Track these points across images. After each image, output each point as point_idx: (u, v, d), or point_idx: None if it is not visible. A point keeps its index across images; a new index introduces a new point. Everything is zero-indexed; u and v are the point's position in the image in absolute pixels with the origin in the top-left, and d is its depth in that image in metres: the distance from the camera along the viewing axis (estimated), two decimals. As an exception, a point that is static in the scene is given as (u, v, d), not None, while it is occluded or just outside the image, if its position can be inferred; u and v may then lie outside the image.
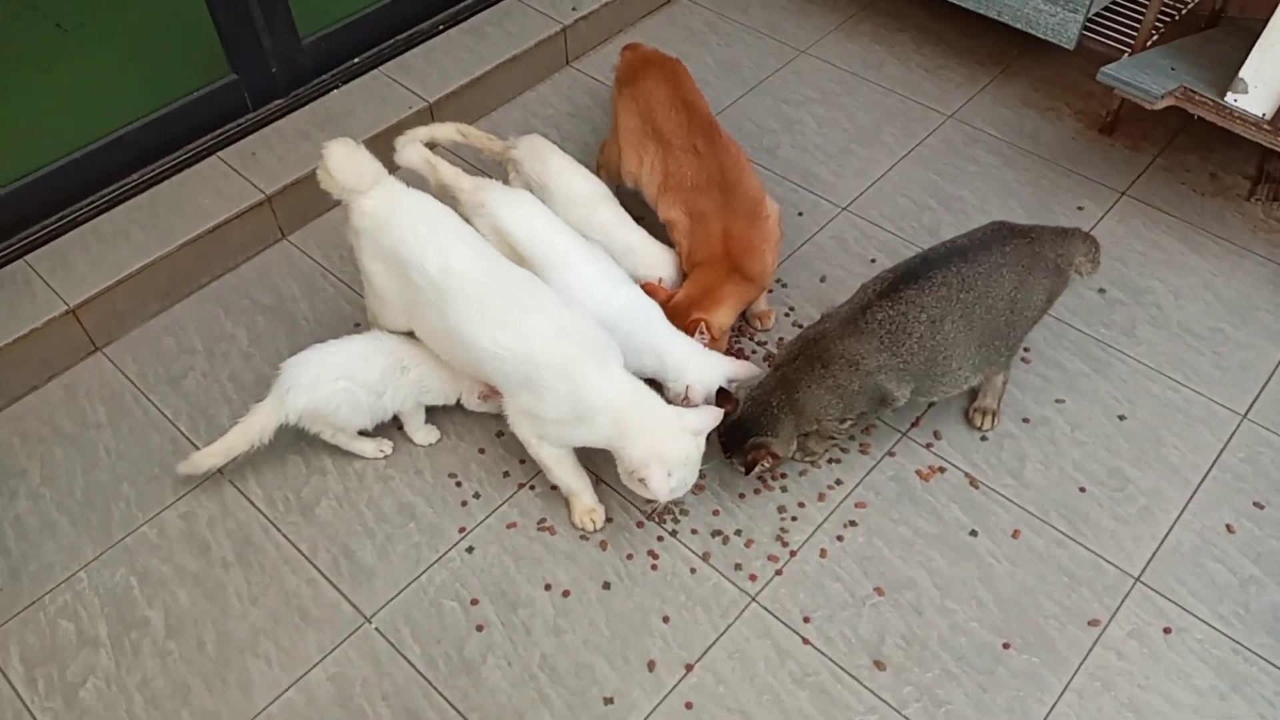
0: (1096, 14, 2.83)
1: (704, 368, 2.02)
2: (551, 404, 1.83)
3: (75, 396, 2.27)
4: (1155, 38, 2.69)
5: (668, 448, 1.80)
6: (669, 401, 1.98)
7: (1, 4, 2.25)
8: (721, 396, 1.97)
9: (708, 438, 1.90)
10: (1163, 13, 2.73)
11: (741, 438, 1.93)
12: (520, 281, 1.88)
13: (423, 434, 2.15)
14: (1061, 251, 2.00)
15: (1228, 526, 2.00)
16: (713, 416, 1.86)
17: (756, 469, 1.94)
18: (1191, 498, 2.05)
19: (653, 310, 2.07)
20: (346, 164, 1.92)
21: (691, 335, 2.09)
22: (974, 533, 2.00)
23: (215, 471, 2.10)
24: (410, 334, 2.07)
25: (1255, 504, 2.04)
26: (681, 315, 2.12)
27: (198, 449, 2.10)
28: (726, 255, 2.17)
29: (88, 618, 1.92)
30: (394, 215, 1.89)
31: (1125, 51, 2.65)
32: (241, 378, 2.29)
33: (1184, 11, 2.82)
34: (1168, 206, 2.61)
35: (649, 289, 2.14)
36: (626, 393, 1.84)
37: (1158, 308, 2.38)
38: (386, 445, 2.13)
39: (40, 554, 2.02)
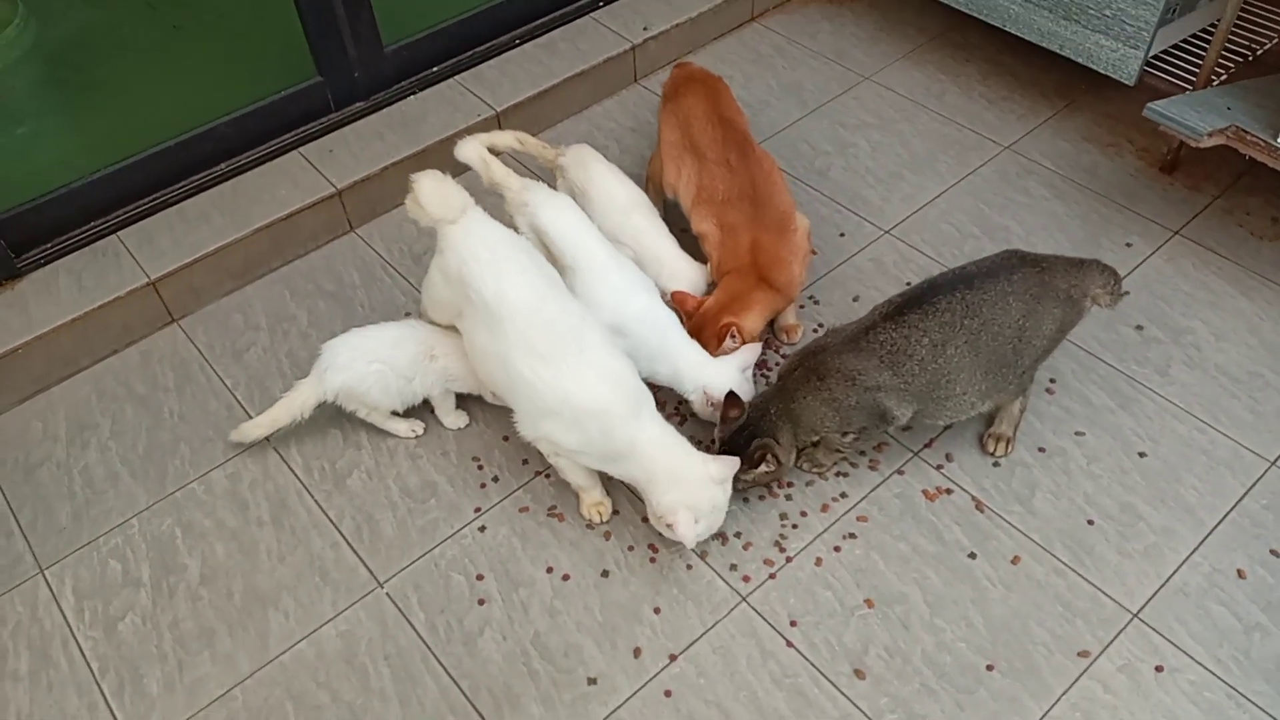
0: (1166, 51, 2.81)
1: (719, 370, 2.11)
2: (577, 439, 1.92)
3: (150, 362, 2.49)
4: (1224, 77, 2.65)
5: (695, 497, 1.88)
6: (695, 412, 2.11)
7: (129, 4, 2.49)
8: (729, 402, 2.04)
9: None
10: (1236, 53, 2.69)
11: (745, 441, 1.99)
12: (569, 319, 1.94)
13: (452, 418, 2.28)
14: (1075, 282, 2.01)
15: (1239, 571, 1.96)
16: (732, 465, 1.93)
17: (762, 467, 1.98)
18: (1205, 539, 2.02)
19: (668, 319, 2.16)
20: (435, 195, 2.02)
21: (722, 339, 2.17)
22: (973, 555, 2.01)
23: (262, 440, 2.26)
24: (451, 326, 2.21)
25: (1273, 551, 1.99)
26: (711, 321, 2.20)
27: (250, 417, 2.28)
28: (754, 265, 2.25)
29: (134, 560, 2.11)
30: (466, 240, 2.00)
31: (1189, 89, 2.62)
32: (298, 355, 2.46)
33: (1259, 52, 2.77)
34: (1221, 248, 2.56)
35: (678, 298, 2.23)
36: (657, 441, 1.91)
37: (1196, 349, 2.35)
38: (419, 426, 2.27)
39: (101, 500, 2.22)
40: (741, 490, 2.05)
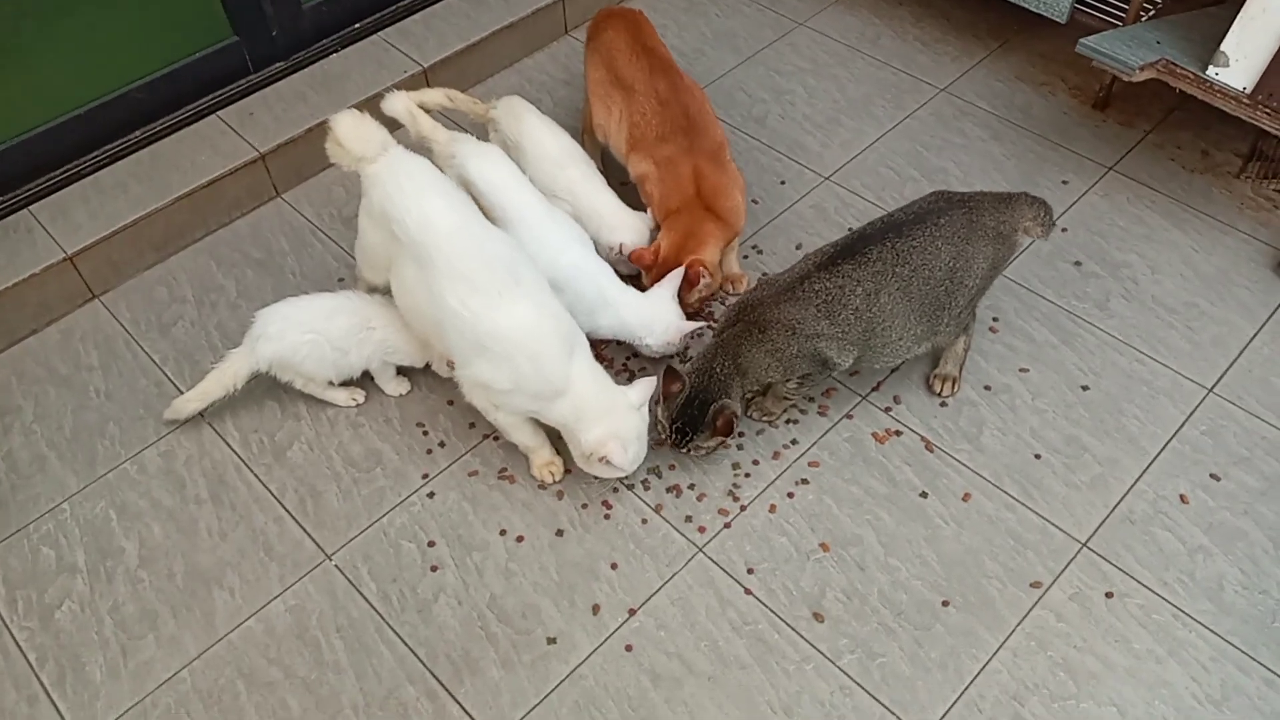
0: (1092, -12, 2.81)
1: (661, 306, 2.11)
2: (509, 377, 1.87)
3: (71, 340, 2.38)
4: (1152, 13, 2.66)
5: (621, 426, 1.87)
6: (653, 355, 2.12)
7: (11, -37, 2.35)
8: (669, 377, 1.99)
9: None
10: (1155, -13, 2.70)
11: (701, 410, 1.94)
12: (504, 254, 1.89)
13: (393, 385, 2.22)
14: (1004, 218, 2.01)
15: (1181, 497, 2.00)
16: (648, 386, 1.92)
17: (714, 443, 1.97)
18: (1148, 468, 2.05)
19: (603, 270, 2.12)
20: (354, 134, 1.95)
21: (695, 282, 2.14)
22: (924, 494, 2.03)
23: (195, 415, 2.18)
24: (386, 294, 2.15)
25: (1212, 475, 2.03)
26: (673, 265, 2.16)
27: (181, 393, 2.20)
28: (699, 196, 2.21)
29: (67, 546, 2.02)
30: (387, 174, 1.94)
31: (1117, 25, 2.63)
32: (227, 327, 2.38)
33: (1184, -13, 2.78)
34: (1154, 182, 2.59)
35: (636, 257, 2.18)
36: (587, 377, 1.89)
37: (1134, 282, 2.38)
38: (359, 394, 2.21)
39: (28, 485, 2.12)
40: (705, 455, 2.04)
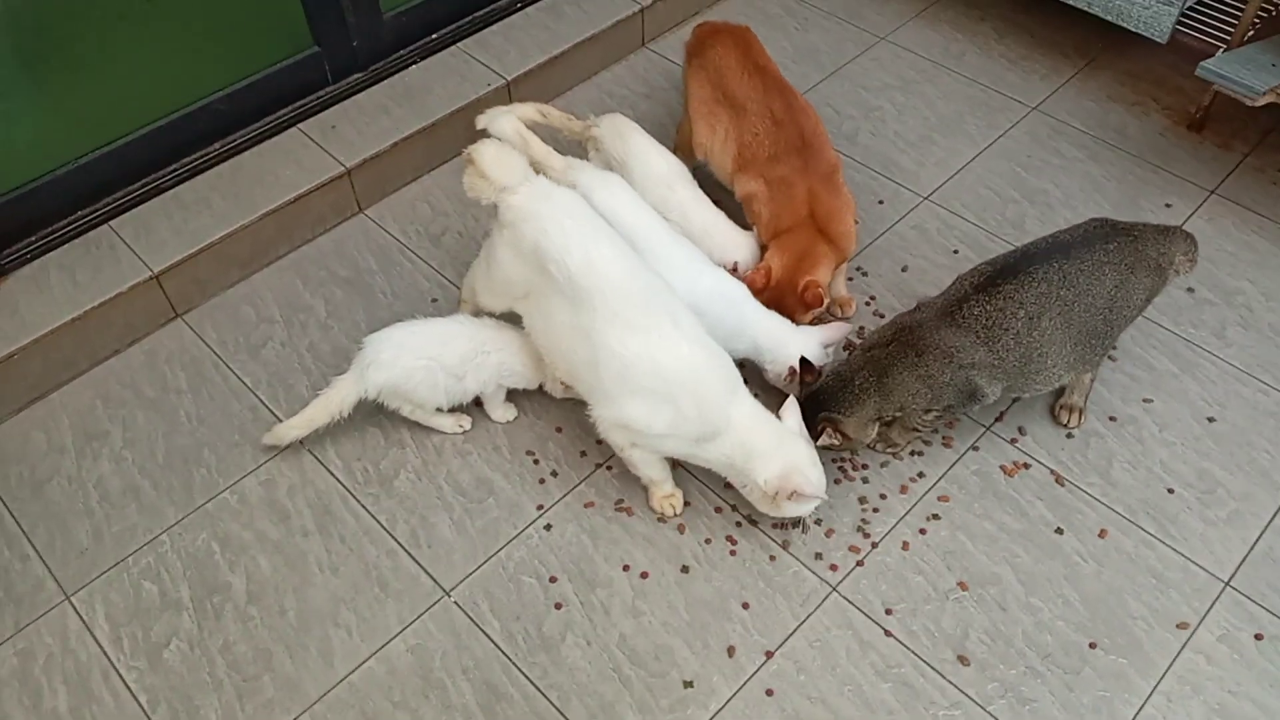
0: (1188, 8, 2.76)
1: (802, 341, 2.02)
2: (668, 419, 1.80)
3: (156, 361, 2.29)
4: (1252, 33, 2.62)
5: (794, 455, 1.81)
6: (770, 382, 2.05)
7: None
8: (805, 367, 1.96)
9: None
10: (1262, 7, 2.66)
11: (815, 409, 1.91)
12: (661, 293, 1.84)
13: (500, 411, 2.15)
14: (1164, 250, 1.96)
15: (1322, 534, 1.95)
16: (794, 410, 1.88)
17: (823, 440, 1.91)
18: (1284, 504, 2.00)
19: (741, 292, 2.06)
20: (498, 162, 1.88)
21: (810, 304, 2.08)
22: (1060, 530, 1.97)
23: (295, 442, 2.10)
24: (498, 316, 2.07)
25: (1351, 512, 1.99)
26: (789, 289, 2.10)
27: (278, 418, 2.13)
28: (811, 218, 2.15)
29: (170, 580, 1.94)
30: (541, 208, 1.85)
31: (1219, 46, 2.59)
32: (319, 349, 2.30)
33: (1282, 6, 2.74)
34: (1258, 206, 2.54)
35: (748, 281, 2.11)
36: (751, 414, 1.83)
37: (1248, 309, 2.33)
38: (465, 421, 2.13)
39: (123, 516, 2.04)
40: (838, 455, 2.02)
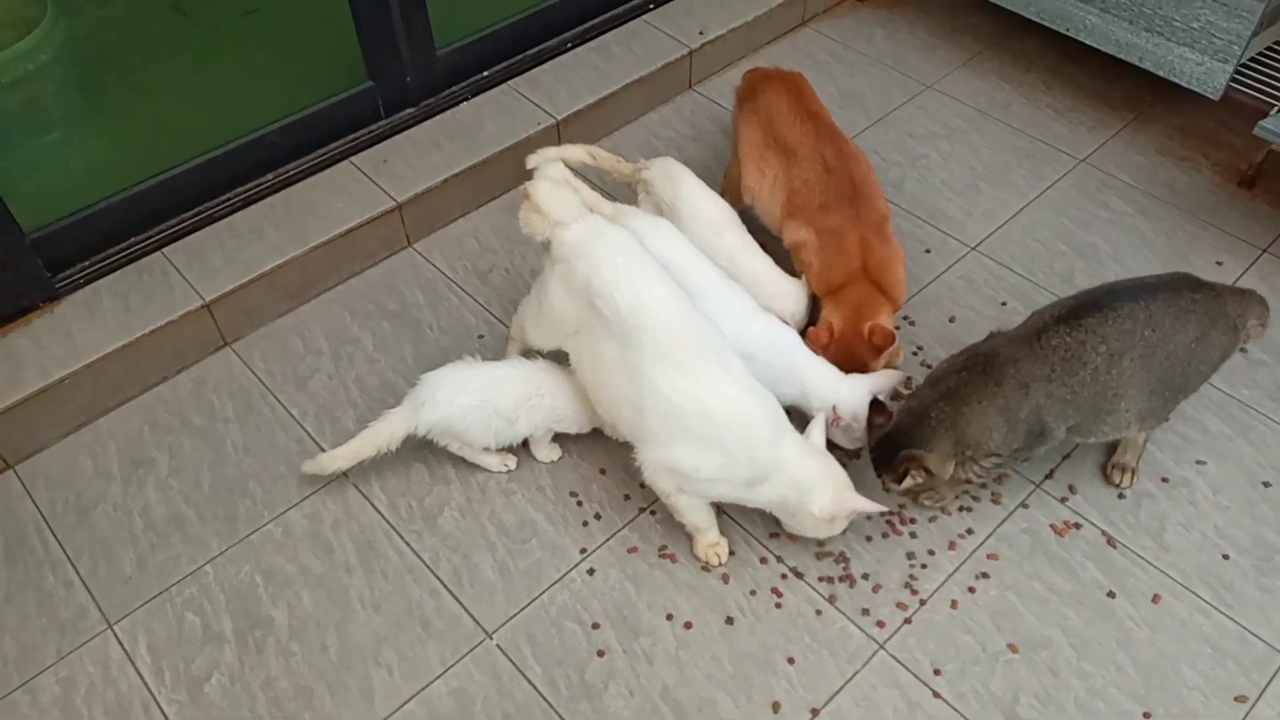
0: (1241, 64, 2.75)
1: (852, 389, 2.00)
2: (717, 463, 1.80)
3: (204, 389, 2.30)
4: (1303, 91, 2.60)
5: (840, 475, 1.84)
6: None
7: (153, 6, 2.30)
8: (874, 409, 1.95)
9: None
10: (1315, 65, 2.65)
11: (893, 450, 1.87)
12: (711, 336, 1.84)
13: (546, 451, 2.14)
14: (1240, 311, 1.94)
15: (1382, 607, 1.91)
16: (820, 425, 1.92)
17: (907, 481, 1.87)
18: (1342, 574, 1.96)
19: (792, 338, 2.05)
20: (553, 198, 1.88)
21: (881, 347, 2.06)
22: (1112, 594, 1.94)
23: (340, 474, 2.10)
24: (546, 355, 2.08)
25: None
26: (856, 338, 2.08)
27: (323, 450, 2.12)
28: (865, 270, 2.14)
29: (213, 613, 1.94)
30: (594, 245, 1.86)
31: (1271, 104, 2.57)
32: (366, 382, 2.30)
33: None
34: (1312, 267, 2.52)
35: (812, 338, 2.09)
36: (800, 453, 1.83)
37: (1303, 371, 2.30)
38: (511, 460, 2.13)
39: (167, 545, 2.04)
40: (898, 500, 2.01)
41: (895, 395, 2.23)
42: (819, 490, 1.81)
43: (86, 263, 2.35)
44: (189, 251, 2.40)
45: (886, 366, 2.15)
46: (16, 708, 1.82)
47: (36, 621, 1.93)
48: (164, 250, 2.41)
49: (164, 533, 2.06)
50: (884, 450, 1.89)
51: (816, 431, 1.92)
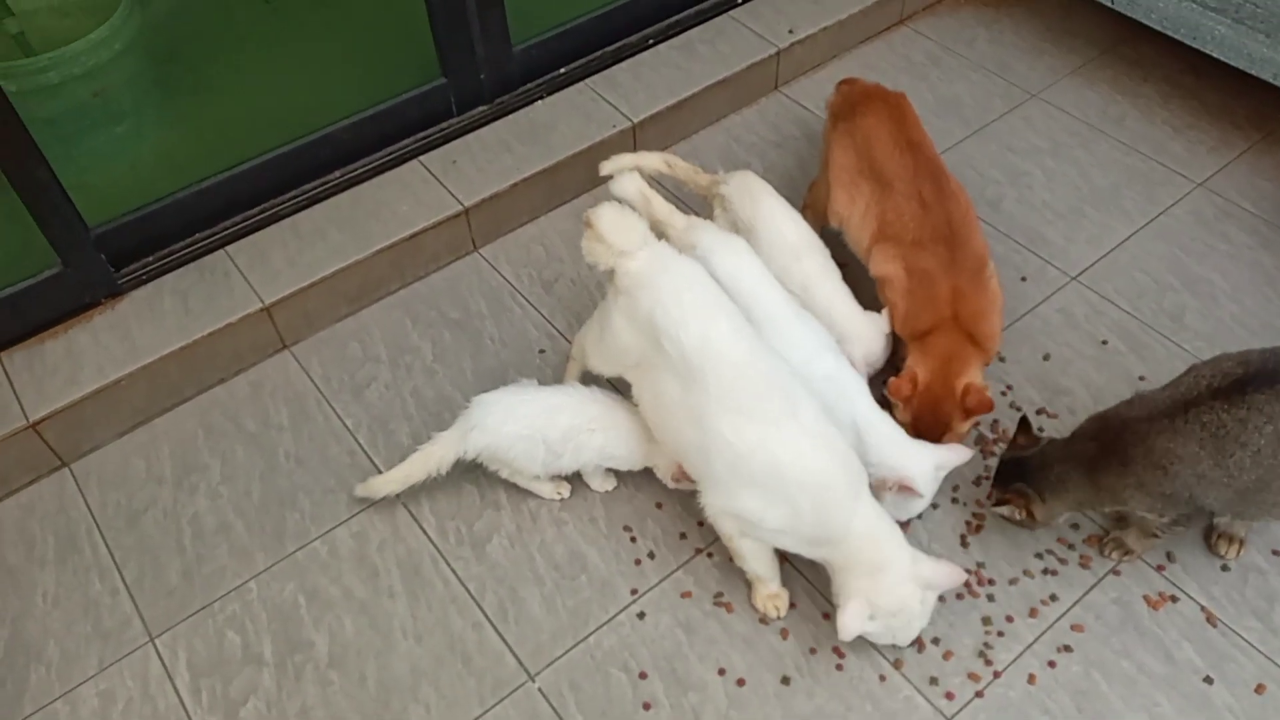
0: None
1: (913, 456, 1.84)
2: (783, 517, 1.67)
3: (260, 394, 2.26)
4: None
5: (885, 593, 1.66)
6: (872, 488, 1.81)
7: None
8: (1021, 428, 1.86)
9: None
10: None
11: (1013, 475, 1.80)
12: (781, 379, 1.71)
13: (599, 481, 2.05)
14: None
15: None
16: (952, 577, 1.69)
17: (1005, 509, 1.80)
18: None
19: (858, 385, 1.90)
20: (617, 226, 1.78)
21: (972, 410, 1.91)
22: (1209, 679, 1.76)
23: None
24: (608, 380, 1.97)
25: None
26: (945, 394, 1.92)
27: (375, 465, 2.08)
28: (955, 319, 1.98)
29: (254, 632, 1.89)
30: (660, 278, 1.75)
31: None
32: (423, 394, 2.23)
33: None
34: None
35: (894, 389, 1.95)
36: (873, 528, 1.67)
37: None
38: (565, 489, 2.04)
39: (214, 556, 2.00)
40: (994, 511, 1.89)
41: (983, 445, 2.07)
42: (858, 577, 1.66)
43: (150, 258, 2.32)
44: (251, 251, 2.36)
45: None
46: (55, 718, 1.80)
47: (81, 628, 1.91)
48: (227, 249, 2.37)
49: (211, 544, 2.02)
50: (1008, 470, 1.83)
51: (931, 568, 1.70)
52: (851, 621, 1.65)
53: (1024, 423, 1.85)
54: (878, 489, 1.83)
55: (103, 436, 2.18)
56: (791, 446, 1.65)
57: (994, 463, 1.96)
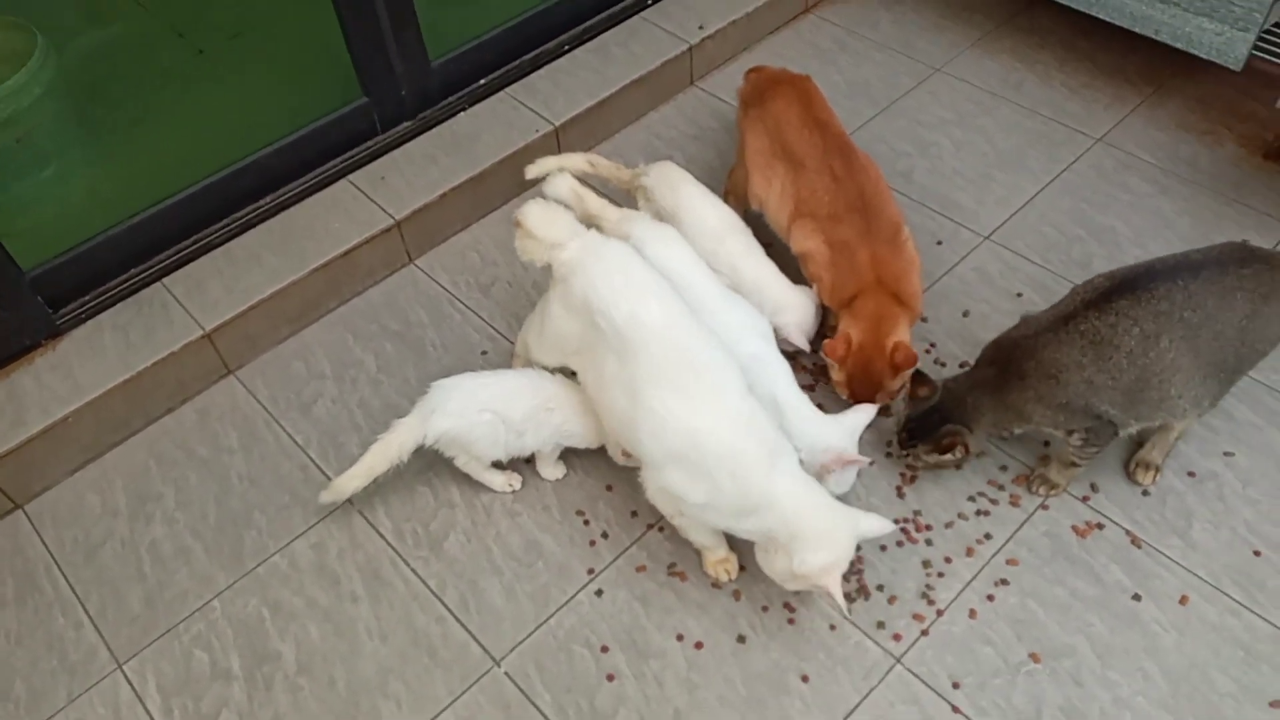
0: (1264, 31, 2.64)
1: (832, 428, 1.91)
2: (705, 491, 1.73)
3: (208, 420, 2.30)
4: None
5: (843, 555, 1.71)
6: (811, 474, 1.85)
7: (152, 31, 2.28)
8: (918, 380, 1.95)
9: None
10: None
11: (936, 424, 1.89)
12: (707, 356, 1.77)
13: (551, 469, 2.11)
14: None
15: None
16: (883, 525, 1.74)
17: (952, 454, 1.89)
18: (1383, 567, 1.88)
19: (781, 368, 1.97)
20: (545, 221, 1.86)
21: (900, 366, 1.98)
22: (1137, 597, 1.87)
23: (347, 500, 2.08)
24: (556, 370, 2.04)
25: None
26: (876, 353, 1.99)
27: (328, 478, 2.11)
28: (879, 282, 2.07)
29: (221, 649, 1.93)
30: (591, 262, 1.83)
31: (1297, 72, 2.46)
32: (370, 405, 2.28)
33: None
34: (1345, 241, 2.41)
35: (829, 350, 2.02)
36: (799, 493, 1.72)
37: (1337, 353, 2.20)
38: (516, 480, 2.10)
39: (175, 581, 2.03)
40: (921, 469, 2.04)
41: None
42: (812, 549, 1.68)
43: (87, 297, 2.34)
44: (188, 281, 2.39)
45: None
46: (29, 752, 1.82)
47: (46, 664, 1.93)
48: (163, 281, 2.40)
49: (171, 568, 2.05)
50: (929, 421, 1.90)
51: (868, 521, 1.74)
52: (835, 590, 1.67)
53: (919, 375, 1.94)
54: (822, 475, 1.88)
55: (54, 475, 2.20)
56: (708, 418, 1.71)
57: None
